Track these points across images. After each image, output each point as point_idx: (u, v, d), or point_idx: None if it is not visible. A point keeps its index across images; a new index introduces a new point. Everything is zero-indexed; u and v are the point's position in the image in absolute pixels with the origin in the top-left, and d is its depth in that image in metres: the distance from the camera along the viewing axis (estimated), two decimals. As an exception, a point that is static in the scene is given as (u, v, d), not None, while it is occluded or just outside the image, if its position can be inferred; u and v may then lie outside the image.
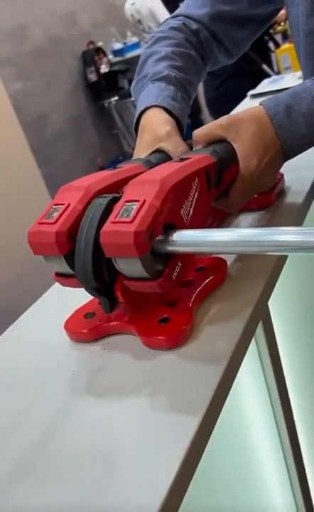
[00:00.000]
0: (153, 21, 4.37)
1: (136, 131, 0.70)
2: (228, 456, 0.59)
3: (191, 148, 0.66)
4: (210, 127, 0.59)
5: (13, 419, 0.47)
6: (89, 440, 0.42)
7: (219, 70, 0.90)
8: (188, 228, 0.49)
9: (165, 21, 0.84)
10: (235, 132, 0.58)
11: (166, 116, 0.68)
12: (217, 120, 0.59)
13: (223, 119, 0.59)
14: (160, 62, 0.76)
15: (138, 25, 4.52)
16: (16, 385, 0.53)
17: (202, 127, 0.60)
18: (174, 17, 0.83)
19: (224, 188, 0.59)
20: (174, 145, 0.64)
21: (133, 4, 4.41)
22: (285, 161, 0.62)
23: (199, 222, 0.51)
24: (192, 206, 0.50)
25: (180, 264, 0.48)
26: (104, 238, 0.44)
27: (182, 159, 0.53)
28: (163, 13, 4.24)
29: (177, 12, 0.84)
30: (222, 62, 0.86)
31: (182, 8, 0.84)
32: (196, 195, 0.50)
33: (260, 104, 0.60)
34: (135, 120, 0.71)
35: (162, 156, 0.63)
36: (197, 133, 0.60)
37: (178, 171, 0.49)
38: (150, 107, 0.69)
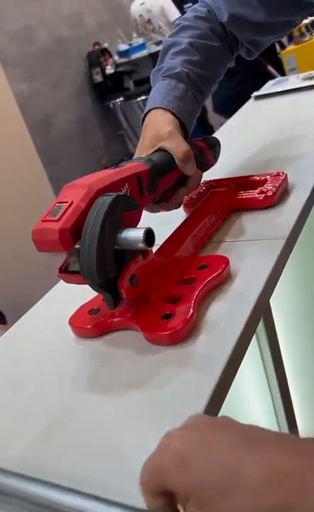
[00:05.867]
0: (164, 19, 4.37)
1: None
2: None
3: (193, 147, 0.67)
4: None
5: (17, 413, 0.48)
6: (91, 435, 0.43)
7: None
8: None
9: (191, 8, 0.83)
10: None
11: (170, 116, 0.69)
12: None
13: None
14: (177, 56, 0.76)
15: (148, 25, 4.52)
16: (21, 379, 0.54)
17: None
18: (201, 2, 0.83)
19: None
20: (176, 144, 0.65)
21: (142, 4, 4.40)
22: None
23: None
24: None
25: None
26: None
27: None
28: (173, 11, 4.24)
29: None
30: (243, 55, 0.86)
31: None
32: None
33: None
34: (142, 118, 0.73)
35: (163, 155, 0.64)
36: None
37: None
38: (156, 107, 0.70)
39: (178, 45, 0.77)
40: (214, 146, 0.76)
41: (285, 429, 0.70)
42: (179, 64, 0.75)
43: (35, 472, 0.40)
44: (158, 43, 4.47)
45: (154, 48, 4.54)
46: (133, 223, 0.53)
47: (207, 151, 0.73)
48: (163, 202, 0.67)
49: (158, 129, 0.67)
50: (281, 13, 0.78)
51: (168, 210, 0.68)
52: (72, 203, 0.49)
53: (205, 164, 0.73)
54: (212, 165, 0.76)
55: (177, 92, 0.72)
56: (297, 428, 0.73)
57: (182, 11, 4.13)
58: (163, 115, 0.69)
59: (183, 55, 0.76)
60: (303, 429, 0.76)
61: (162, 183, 0.62)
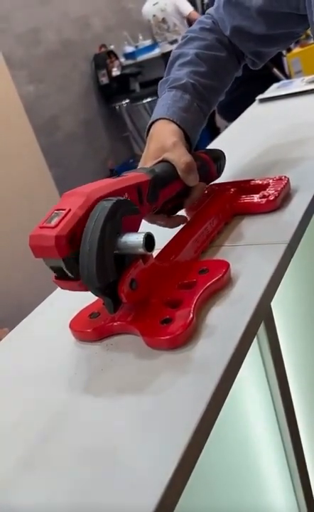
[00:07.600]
0: (179, 16, 4.39)
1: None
2: (228, 456, 0.60)
3: (196, 159, 0.67)
4: None
5: (17, 416, 0.48)
6: (90, 438, 0.43)
7: None
8: None
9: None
10: None
11: (174, 127, 0.70)
12: None
13: None
14: (183, 68, 0.77)
15: (162, 24, 4.53)
16: (21, 382, 0.54)
17: None
18: (206, 14, 0.84)
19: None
20: (178, 155, 0.65)
21: (155, 4, 4.42)
22: None
23: None
24: None
25: None
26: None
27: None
28: (186, 6, 4.26)
29: (209, 11, 0.84)
30: (248, 65, 0.87)
31: (212, 10, 0.84)
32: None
33: None
34: (147, 128, 0.74)
35: (166, 166, 0.65)
36: None
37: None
38: (161, 118, 0.71)
39: (185, 57, 0.78)
40: (219, 159, 0.76)
41: (286, 431, 0.70)
42: (185, 75, 0.75)
43: (34, 471, 0.40)
44: (173, 42, 4.48)
45: (168, 48, 4.54)
46: (134, 228, 0.53)
47: (211, 163, 0.73)
48: (163, 215, 0.67)
49: (162, 140, 0.68)
50: (280, 25, 0.79)
51: (165, 226, 0.69)
52: (69, 210, 0.49)
53: (209, 176, 0.74)
54: (216, 178, 0.76)
55: (182, 103, 0.72)
56: (298, 430, 0.72)
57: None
58: (168, 126, 0.70)
59: (189, 66, 0.77)
60: (304, 431, 0.75)
61: (163, 193, 0.62)
